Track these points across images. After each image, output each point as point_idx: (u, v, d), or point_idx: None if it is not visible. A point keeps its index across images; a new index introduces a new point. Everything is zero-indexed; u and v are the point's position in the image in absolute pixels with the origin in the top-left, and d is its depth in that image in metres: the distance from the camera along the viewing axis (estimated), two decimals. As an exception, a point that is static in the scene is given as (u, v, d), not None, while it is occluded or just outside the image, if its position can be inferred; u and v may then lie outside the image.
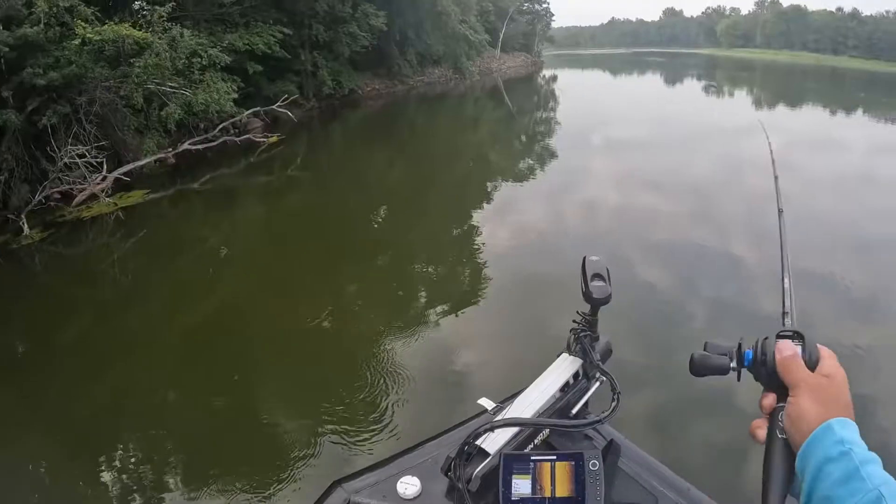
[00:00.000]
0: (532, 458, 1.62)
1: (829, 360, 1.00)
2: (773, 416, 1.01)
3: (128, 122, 17.00)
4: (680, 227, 12.63)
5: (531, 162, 19.91)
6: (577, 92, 49.78)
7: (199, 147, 19.15)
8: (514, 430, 1.78)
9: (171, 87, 17.46)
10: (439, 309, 8.84)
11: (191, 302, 9.73)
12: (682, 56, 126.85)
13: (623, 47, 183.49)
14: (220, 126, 20.44)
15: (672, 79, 65.29)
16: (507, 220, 13.51)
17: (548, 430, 1.88)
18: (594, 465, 1.58)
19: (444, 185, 17.45)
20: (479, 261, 11.02)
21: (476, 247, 11.77)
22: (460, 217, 13.82)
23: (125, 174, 15.80)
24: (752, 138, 22.67)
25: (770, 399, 1.03)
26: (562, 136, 25.36)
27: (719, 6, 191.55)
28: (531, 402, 1.89)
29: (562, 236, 12.46)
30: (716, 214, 13.57)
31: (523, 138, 26.18)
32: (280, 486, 5.43)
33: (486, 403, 2.05)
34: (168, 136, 18.71)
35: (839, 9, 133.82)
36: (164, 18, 17.79)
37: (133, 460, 6.08)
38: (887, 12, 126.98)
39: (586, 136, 24.15)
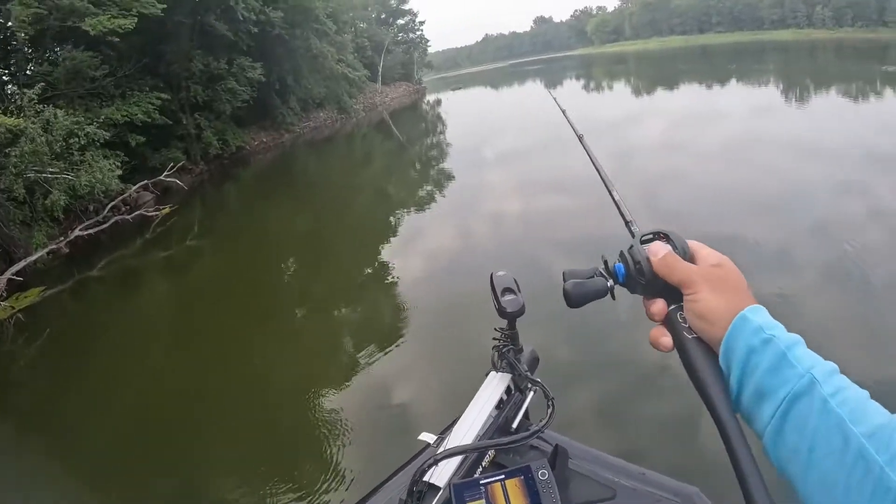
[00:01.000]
0: (481, 482, 1.60)
1: (704, 249, 0.97)
2: (670, 319, 0.93)
3: (12, 216, 16.35)
4: (577, 220, 12.97)
5: (429, 187, 20.07)
6: (463, 111, 50.47)
7: (92, 231, 18.51)
8: (460, 458, 1.76)
9: (52, 172, 16.92)
10: (366, 350, 8.81)
11: (110, 396, 9.38)
12: (558, 60, 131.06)
13: (500, 61, 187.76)
14: (110, 206, 19.90)
15: (552, 82, 66.89)
16: (416, 249, 13.59)
17: (493, 451, 1.87)
18: (543, 474, 1.57)
19: (348, 227, 17.36)
20: (396, 294, 11.05)
21: (391, 281, 11.78)
22: (370, 255, 13.83)
23: (19, 272, 15.13)
24: (629, 127, 23.69)
25: (659, 304, 0.95)
26: (454, 157, 25.72)
27: (586, 7, 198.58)
28: (470, 426, 1.88)
29: (471, 254, 12.57)
30: (600, 200, 13.93)
31: (417, 165, 26.38)
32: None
33: (428, 437, 2.05)
34: (58, 224, 18.07)
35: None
36: (35, 101, 17.25)
37: None
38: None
39: (478, 153, 24.59)
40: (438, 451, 1.67)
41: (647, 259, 0.97)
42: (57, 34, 23.21)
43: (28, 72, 24.16)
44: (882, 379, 5.74)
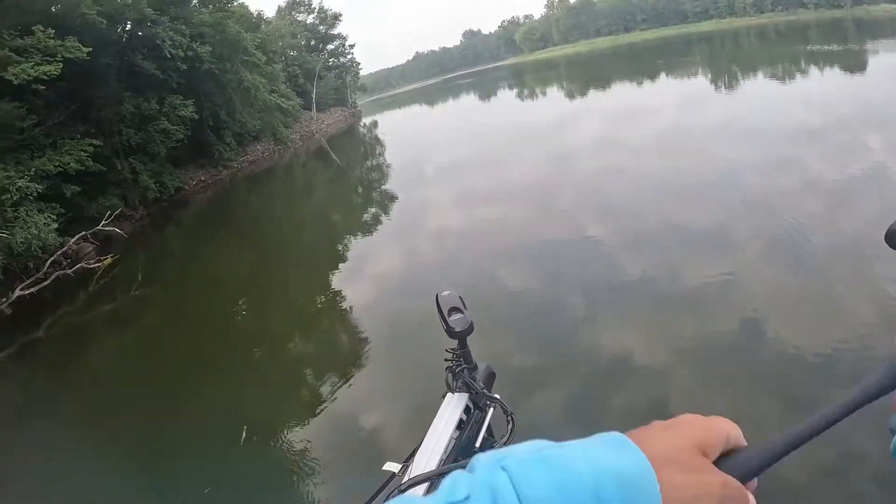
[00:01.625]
0: None
1: None
2: None
3: (-52, 281, 15.82)
4: (515, 229, 13.26)
5: (373, 210, 20.14)
6: (400, 131, 50.80)
7: (34, 290, 17.99)
8: (426, 485, 1.67)
9: (-17, 234, 16.39)
10: (324, 382, 8.81)
11: (59, 468, 9.02)
12: (489, 71, 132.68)
13: (433, 77, 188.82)
14: (50, 261, 19.36)
15: (485, 94, 67.83)
16: (364, 274, 13.61)
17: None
18: None
19: (295, 260, 17.26)
20: (348, 322, 11.14)
21: (343, 309, 11.81)
22: (320, 285, 13.81)
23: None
24: (564, 130, 24.08)
25: None
26: (395, 176, 25.95)
27: (513, 17, 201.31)
28: (432, 451, 1.84)
29: (419, 273, 12.71)
30: (543, 203, 14.42)
31: (360, 189, 26.46)
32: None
33: (392, 467, 2.00)
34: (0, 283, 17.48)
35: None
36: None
37: None
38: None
39: (417, 169, 24.87)
40: (403, 482, 1.63)
41: None
42: (-22, 85, 22.59)
43: (-49, 128, 23.47)
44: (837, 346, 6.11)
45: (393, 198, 20.98)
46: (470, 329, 1.91)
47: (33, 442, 10.35)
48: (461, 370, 2.02)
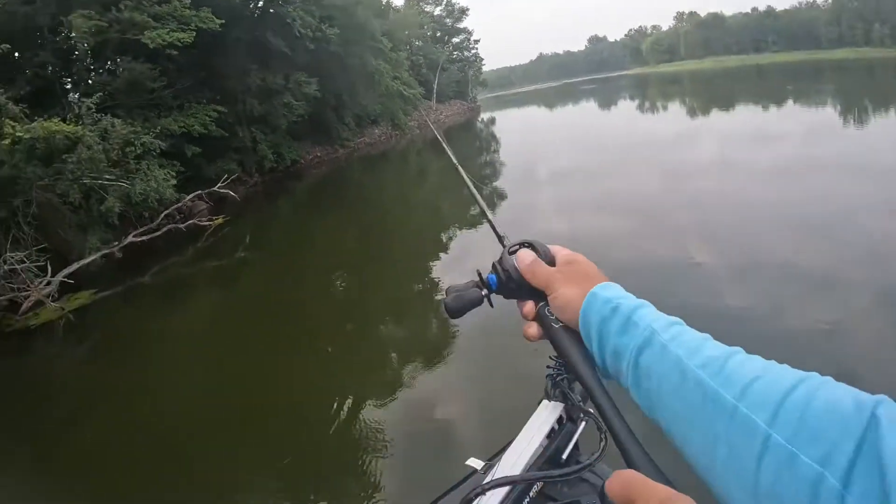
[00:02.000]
0: None
1: (562, 251, 1.11)
2: (540, 314, 1.06)
3: (68, 220, 16.59)
4: (624, 244, 12.57)
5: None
6: (517, 131, 50.16)
7: (145, 238, 18.68)
8: (507, 488, 1.62)
9: (107, 179, 17.10)
10: (413, 368, 8.50)
11: (154, 401, 9.21)
12: (612, 80, 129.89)
13: (554, 80, 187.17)
14: (164, 214, 20.05)
15: (606, 103, 66.28)
16: (466, 267, 13.27)
17: (542, 482, 1.77)
18: None
19: (399, 243, 17.17)
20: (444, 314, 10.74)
21: (440, 299, 11.47)
22: (420, 272, 13.54)
23: (72, 275, 15.25)
24: (684, 145, 23.20)
25: (529, 305, 1.08)
26: (507, 176, 25.35)
27: (641, 26, 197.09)
28: (519, 455, 1.72)
29: None
30: (651, 220, 13.70)
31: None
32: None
33: (475, 463, 1.96)
34: (112, 230, 18.24)
35: (754, 9, 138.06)
36: (93, 110, 17.53)
37: None
38: (800, 4, 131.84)
39: (530, 172, 24.21)
40: (486, 480, 1.53)
41: (515, 267, 1.11)
42: (117, 46, 23.65)
43: (89, 81, 24.69)
44: None
45: (502, 196, 20.60)
46: None
47: (126, 371, 10.74)
48: (562, 379, 1.89)
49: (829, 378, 0.69)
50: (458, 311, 1.16)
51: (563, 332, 1.01)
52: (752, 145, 21.96)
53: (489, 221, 1.44)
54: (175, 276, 16.33)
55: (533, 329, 1.07)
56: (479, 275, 1.17)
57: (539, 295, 1.07)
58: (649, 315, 0.89)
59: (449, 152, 1.81)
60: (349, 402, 7.93)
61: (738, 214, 13.18)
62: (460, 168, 1.70)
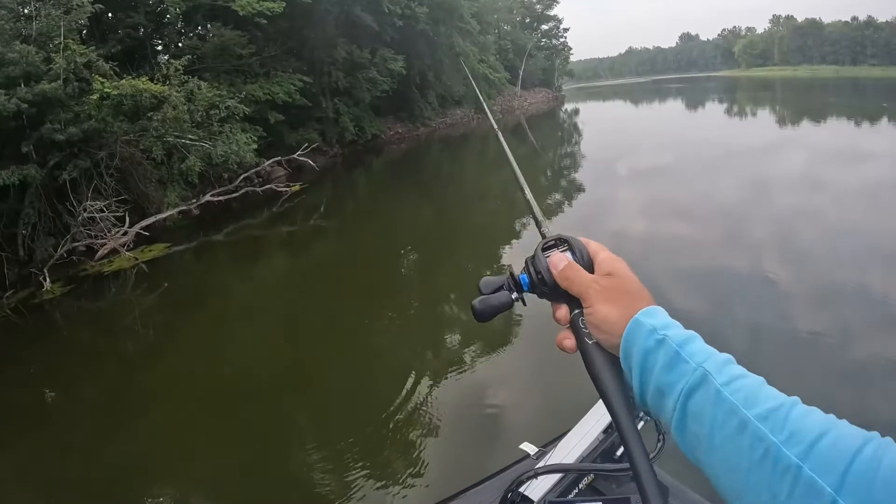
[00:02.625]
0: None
1: (601, 254, 1.00)
2: (574, 324, 0.96)
3: (149, 175, 16.94)
4: (699, 252, 12.19)
5: (558, 197, 19.38)
6: (600, 124, 49.35)
7: (223, 198, 18.94)
8: (559, 475, 1.73)
9: (190, 139, 17.36)
10: (474, 349, 8.32)
11: (215, 356, 9.30)
12: (700, 80, 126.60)
13: (642, 76, 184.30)
14: (243, 176, 20.29)
15: (693, 103, 64.51)
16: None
17: (592, 475, 1.83)
18: None
19: (471, 226, 16.99)
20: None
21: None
22: (488, 255, 13.36)
23: (148, 227, 15.59)
24: (771, 156, 22.40)
25: (563, 310, 0.98)
26: (586, 170, 24.87)
27: (735, 27, 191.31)
28: (574, 446, 1.85)
29: None
30: (735, 235, 13.22)
31: (549, 173, 25.70)
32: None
33: (529, 448, 2.03)
34: (192, 188, 18.57)
35: (854, 18, 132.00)
36: (181, 72, 17.80)
37: None
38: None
39: (610, 169, 23.67)
40: (540, 465, 1.69)
41: (548, 269, 1.00)
42: (208, 12, 24.16)
43: (179, 44, 25.19)
44: None
45: (580, 189, 20.18)
46: None
47: (192, 324, 10.87)
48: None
49: (889, 440, 0.65)
50: (485, 315, 1.05)
51: (597, 350, 0.92)
52: (842, 164, 21.04)
53: (532, 211, 1.30)
54: (248, 237, 16.51)
55: (570, 340, 0.96)
56: (511, 274, 1.07)
57: (574, 301, 0.97)
58: (700, 352, 0.81)
59: (500, 138, 1.63)
60: (405, 371, 7.78)
61: (818, 234, 12.60)
62: (509, 152, 1.58)
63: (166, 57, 22.36)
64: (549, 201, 18.55)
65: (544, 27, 76.38)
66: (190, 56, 19.80)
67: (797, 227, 13.25)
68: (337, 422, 6.90)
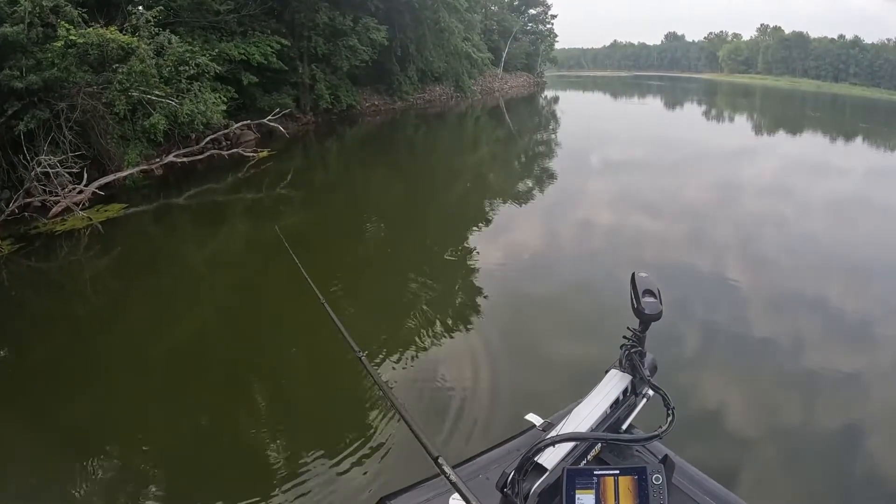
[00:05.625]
0: (595, 472, 1.60)
1: None
2: None
3: (111, 130, 16.29)
4: (663, 248, 12.42)
5: (530, 183, 19.30)
6: (578, 113, 49.39)
7: (186, 160, 18.43)
8: (571, 445, 1.76)
9: (156, 95, 16.73)
10: (432, 328, 8.33)
11: (166, 324, 8.98)
12: (682, 80, 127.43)
13: (624, 70, 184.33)
14: (210, 138, 19.74)
15: (672, 103, 64.88)
16: (501, 241, 13.01)
17: (600, 446, 1.88)
18: (657, 479, 1.55)
19: (438, 203, 16.81)
20: (467, 278, 10.50)
21: (469, 265, 11.14)
22: (455, 235, 13.25)
23: (107, 186, 15.09)
24: (743, 161, 22.56)
25: None
26: (560, 158, 24.77)
27: (722, 31, 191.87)
28: (584, 417, 1.90)
29: (549, 257, 12.05)
30: (701, 234, 13.54)
31: (523, 158, 25.57)
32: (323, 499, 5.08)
33: (534, 419, 2.06)
34: (156, 146, 17.99)
35: (841, 36, 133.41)
36: (152, 23, 17.16)
37: (113, 480, 5.48)
38: (889, 40, 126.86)
39: (583, 159, 23.83)
40: (553, 435, 1.69)
41: None
42: (188, -37, 23.26)
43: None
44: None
45: (552, 177, 20.09)
46: (658, 316, 1.95)
47: (143, 288, 10.46)
48: (636, 352, 2.05)
49: None
50: None
51: None
52: (811, 176, 21.47)
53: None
54: (210, 202, 16.11)
55: None
56: None
57: None
58: None
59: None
60: (382, 345, 7.72)
61: (779, 242, 13.29)
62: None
63: (140, 8, 21.54)
64: (520, 187, 18.43)
65: (532, 11, 75.55)
66: (163, 8, 19.12)
67: (758, 231, 13.96)
68: (290, 395, 6.88)
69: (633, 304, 1.96)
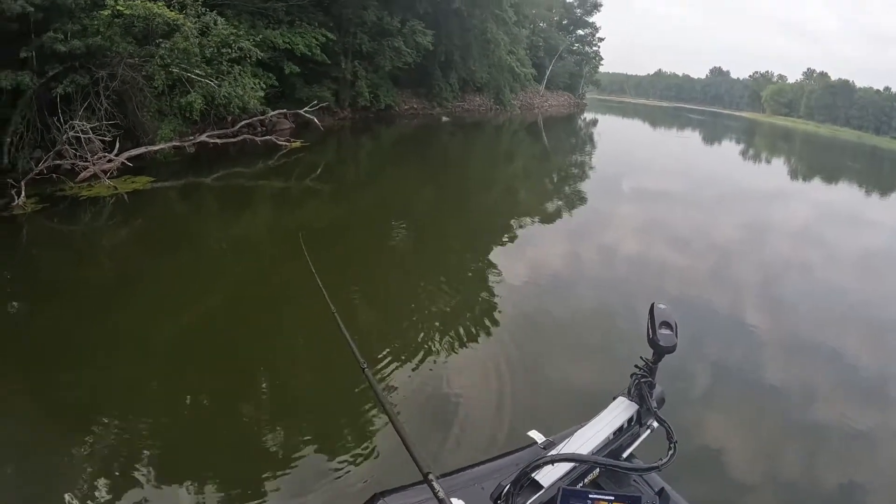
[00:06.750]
0: (591, 495, 1.60)
1: None
2: None
3: (147, 103, 16.30)
4: (685, 282, 12.13)
5: (559, 203, 19.04)
6: (615, 138, 49.06)
7: (219, 141, 18.38)
8: (570, 465, 1.78)
9: (196, 74, 16.74)
10: (448, 333, 8.13)
11: (179, 301, 8.84)
12: (723, 117, 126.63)
13: (666, 100, 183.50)
14: (246, 122, 19.75)
15: (710, 138, 64.17)
16: (524, 256, 12.72)
17: (598, 471, 1.90)
18: None
19: (467, 212, 16.62)
20: (490, 290, 10.22)
21: (491, 277, 10.88)
22: (480, 247, 13.02)
23: (137, 158, 15.08)
24: (776, 204, 22.24)
25: None
26: (592, 181, 24.55)
27: (767, 71, 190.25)
28: (586, 440, 1.92)
29: (571, 279, 11.73)
30: (725, 273, 13.21)
31: (555, 178, 25.30)
32: (316, 492, 4.98)
33: (536, 436, 2.10)
34: (191, 124, 18.03)
35: (886, 88, 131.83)
36: (199, 2, 17.21)
37: (107, 456, 5.30)
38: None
39: (616, 185, 23.54)
40: (553, 453, 1.75)
41: None
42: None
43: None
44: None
45: (582, 199, 19.84)
46: (672, 349, 1.98)
47: (162, 263, 10.43)
48: (646, 382, 2.06)
49: None
50: None
51: None
52: (843, 227, 21.15)
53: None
54: (237, 185, 16.04)
55: None
56: None
57: None
58: None
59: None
60: (381, 350, 7.47)
61: (805, 290, 12.94)
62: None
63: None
64: (549, 206, 18.24)
65: (580, 32, 75.43)
66: (214, -11, 19.24)
67: (783, 276, 13.64)
68: (293, 389, 6.76)
69: (648, 335, 2.00)
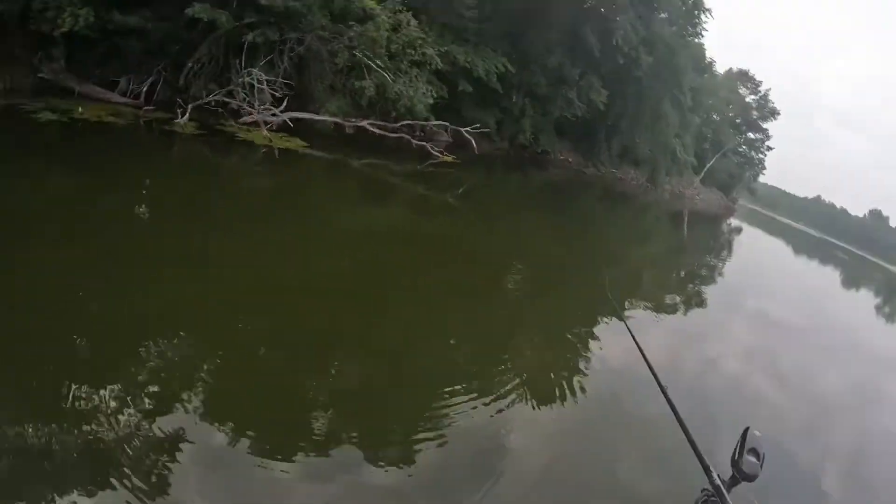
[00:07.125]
0: None
1: None
2: None
3: (324, 76, 16.73)
4: (778, 421, 11.03)
5: (678, 298, 18.19)
6: (753, 253, 47.15)
7: (378, 132, 18.59)
8: None
9: (377, 64, 17.08)
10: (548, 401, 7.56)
11: (282, 267, 8.64)
12: (868, 263, 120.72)
13: (815, 228, 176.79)
14: (407, 122, 19.92)
15: (850, 281, 60.91)
16: (632, 341, 12.00)
17: None
18: None
19: (589, 281, 16.07)
20: (587, 373, 9.60)
21: (596, 360, 10.31)
22: (589, 318, 12.37)
23: (298, 121, 15.55)
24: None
25: None
26: (717, 288, 23.38)
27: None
28: None
29: (681, 381, 10.98)
30: (819, 425, 12.02)
31: (681, 273, 24.36)
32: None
33: None
34: (358, 109, 18.32)
35: None
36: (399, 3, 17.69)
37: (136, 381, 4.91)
38: None
39: (741, 300, 22.30)
40: None
41: None
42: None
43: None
44: None
45: (701, 303, 18.99)
46: (753, 478, 1.89)
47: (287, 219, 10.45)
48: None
49: None
50: None
51: None
52: None
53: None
54: (381, 179, 16.09)
55: None
56: None
57: None
58: None
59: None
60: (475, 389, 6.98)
61: None
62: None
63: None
64: (667, 300, 17.48)
65: (750, 135, 73.72)
66: (415, -3, 19.75)
67: (889, 451, 11.99)
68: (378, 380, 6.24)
69: (733, 456, 1.94)
